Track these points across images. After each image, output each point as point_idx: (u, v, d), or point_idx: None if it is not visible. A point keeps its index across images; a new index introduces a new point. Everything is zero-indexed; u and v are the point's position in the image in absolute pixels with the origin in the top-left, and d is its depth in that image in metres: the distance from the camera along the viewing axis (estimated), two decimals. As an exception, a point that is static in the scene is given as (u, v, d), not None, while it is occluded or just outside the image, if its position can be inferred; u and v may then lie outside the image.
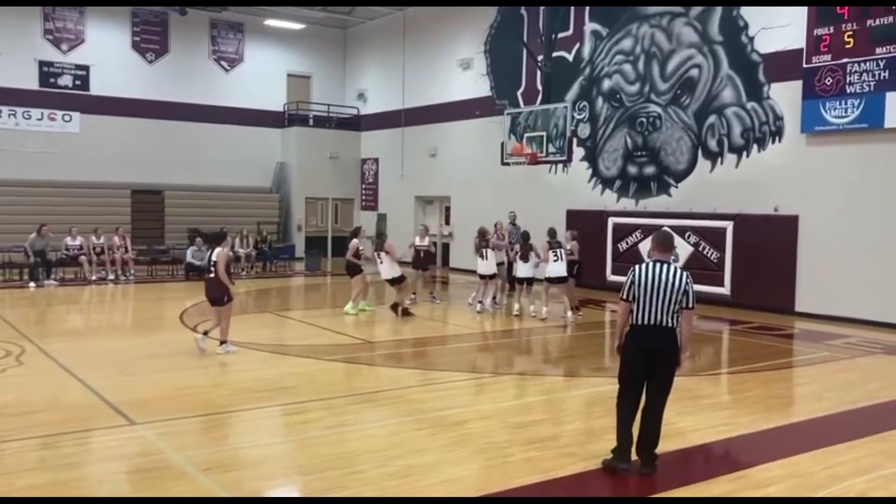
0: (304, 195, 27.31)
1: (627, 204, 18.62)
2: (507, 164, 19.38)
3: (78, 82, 24.13)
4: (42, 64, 23.60)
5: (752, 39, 15.98)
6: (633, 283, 6.03)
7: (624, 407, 6.14)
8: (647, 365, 6.01)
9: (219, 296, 10.59)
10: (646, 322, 5.97)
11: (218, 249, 10.65)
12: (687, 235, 16.85)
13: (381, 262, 14.36)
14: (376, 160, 27.66)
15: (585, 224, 19.10)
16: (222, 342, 10.55)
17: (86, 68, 24.23)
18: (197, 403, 7.94)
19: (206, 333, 10.56)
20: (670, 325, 5.98)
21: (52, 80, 23.78)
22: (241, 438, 7.08)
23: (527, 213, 18.13)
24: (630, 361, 6.10)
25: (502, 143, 19.26)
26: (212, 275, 10.63)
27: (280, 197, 27.23)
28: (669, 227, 16.87)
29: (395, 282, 14.37)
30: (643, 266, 6.07)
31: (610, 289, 18.09)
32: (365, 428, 7.28)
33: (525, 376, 9.91)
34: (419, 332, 12.91)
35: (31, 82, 23.42)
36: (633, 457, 6.13)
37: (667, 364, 6.01)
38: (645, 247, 17.62)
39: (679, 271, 6.03)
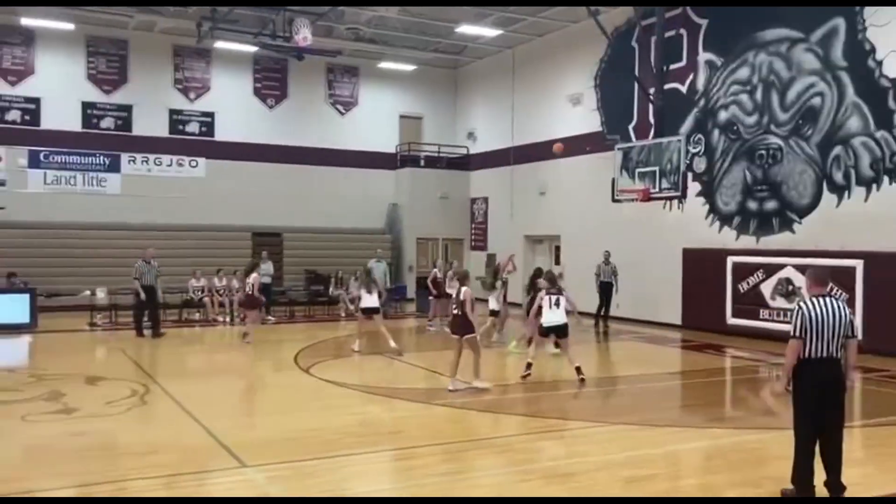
0: (415, 236, 27.64)
1: (748, 241, 17.81)
2: (619, 200, 18.99)
3: (204, 129, 25.48)
4: (172, 112, 25.07)
5: (880, 64, 15.10)
6: (803, 319, 6.35)
7: (806, 441, 6.40)
8: (826, 396, 6.34)
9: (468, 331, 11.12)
10: (821, 355, 6.33)
11: (464, 289, 11.05)
12: (813, 274, 15.94)
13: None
14: (486, 199, 27.73)
15: (703, 263, 18.44)
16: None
17: (211, 115, 25.55)
18: (308, 446, 8.01)
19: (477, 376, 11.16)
20: (839, 356, 6.36)
21: (180, 126, 25.19)
22: (348, 483, 7.08)
23: (641, 253, 17.66)
24: (809, 394, 6.39)
25: (613, 180, 18.91)
26: (456, 311, 11.10)
27: (392, 237, 27.67)
28: (794, 265, 16.14)
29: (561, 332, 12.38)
30: (810, 302, 6.41)
31: (731, 333, 17.26)
32: (474, 476, 7.14)
33: (636, 426, 9.39)
34: (529, 377, 12.61)
35: (162, 130, 24.89)
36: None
37: (841, 393, 6.41)
38: (767, 287, 16.84)
39: (841, 303, 6.44)
